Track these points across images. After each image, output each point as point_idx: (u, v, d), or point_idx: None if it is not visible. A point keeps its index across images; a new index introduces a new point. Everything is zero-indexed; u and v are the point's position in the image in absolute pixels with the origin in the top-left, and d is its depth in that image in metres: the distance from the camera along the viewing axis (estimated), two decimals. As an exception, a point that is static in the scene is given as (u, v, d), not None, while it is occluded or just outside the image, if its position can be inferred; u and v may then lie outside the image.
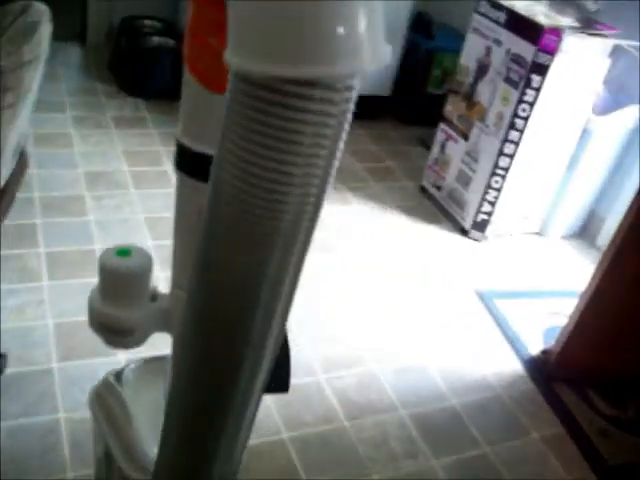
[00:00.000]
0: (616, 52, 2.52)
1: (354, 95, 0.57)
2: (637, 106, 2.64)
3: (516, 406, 2.10)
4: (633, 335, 2.18)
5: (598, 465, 1.94)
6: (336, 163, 0.61)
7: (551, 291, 2.64)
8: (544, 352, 2.29)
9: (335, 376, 2.05)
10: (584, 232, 3.00)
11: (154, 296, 0.91)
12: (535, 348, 2.33)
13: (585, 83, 2.57)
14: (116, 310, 0.87)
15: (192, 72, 0.72)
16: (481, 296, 2.52)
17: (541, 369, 2.24)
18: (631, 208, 1.97)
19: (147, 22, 3.30)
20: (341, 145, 0.60)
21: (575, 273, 2.71)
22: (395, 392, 2.04)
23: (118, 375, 0.98)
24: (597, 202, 2.93)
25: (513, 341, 2.35)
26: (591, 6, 2.71)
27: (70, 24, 3.61)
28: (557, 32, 2.38)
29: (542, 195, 2.82)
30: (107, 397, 0.96)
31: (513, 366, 2.25)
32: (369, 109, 3.47)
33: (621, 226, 2.01)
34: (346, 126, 0.58)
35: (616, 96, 2.67)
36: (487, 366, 2.23)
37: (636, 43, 2.51)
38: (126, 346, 0.91)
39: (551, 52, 2.40)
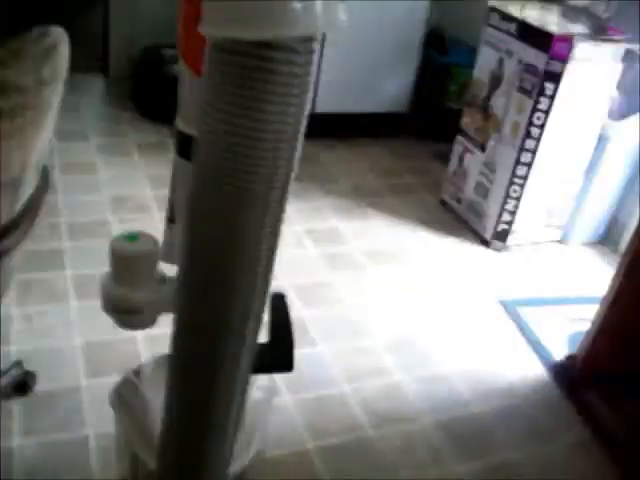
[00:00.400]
0: (628, 56, 2.54)
1: (315, 59, 0.65)
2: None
3: (542, 412, 2.09)
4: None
5: (628, 470, 1.92)
6: (304, 122, 0.69)
7: (574, 298, 2.62)
8: (569, 357, 2.27)
9: (360, 386, 2.07)
10: (606, 239, 2.98)
11: (163, 279, 0.96)
12: (560, 354, 2.32)
13: (599, 89, 2.59)
14: (126, 291, 0.92)
15: (185, 62, 0.78)
16: (504, 305, 2.52)
17: (566, 375, 2.22)
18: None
19: (168, 51, 3.39)
20: (307, 106, 0.68)
21: (597, 279, 2.68)
22: (420, 400, 2.05)
23: (136, 372, 1.02)
24: (618, 208, 2.92)
25: (537, 348, 2.34)
26: (602, 13, 2.73)
27: (91, 55, 3.73)
28: (568, 39, 2.40)
29: (562, 202, 2.82)
30: (126, 393, 1.00)
31: (538, 372, 2.24)
32: (386, 126, 3.51)
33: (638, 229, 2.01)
34: (310, 87, 0.66)
35: (631, 100, 2.67)
36: (512, 373, 2.22)
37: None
38: (138, 326, 0.96)
39: (563, 59, 2.42)
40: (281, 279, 2.40)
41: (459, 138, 2.95)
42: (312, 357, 2.13)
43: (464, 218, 2.95)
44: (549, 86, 2.48)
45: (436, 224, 2.94)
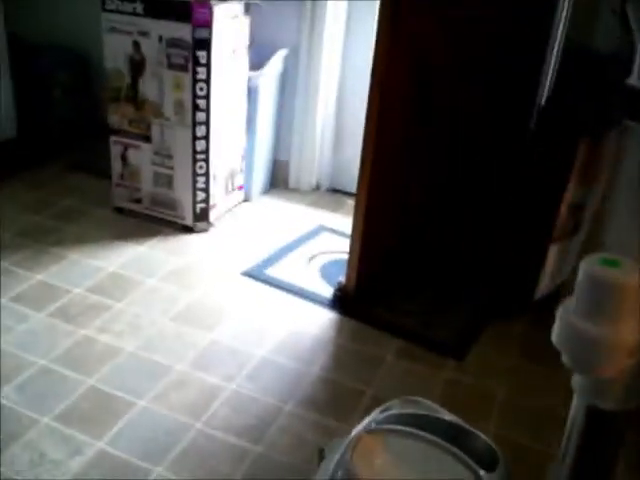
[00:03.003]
0: (250, 9, 2.64)
1: None
2: (283, 51, 2.87)
3: (342, 339, 2.25)
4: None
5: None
6: None
7: (299, 238, 2.77)
8: (340, 288, 2.41)
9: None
10: (274, 182, 3.16)
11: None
12: (327, 290, 2.45)
13: (239, 44, 2.65)
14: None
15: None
16: (249, 274, 2.51)
17: (345, 302, 2.38)
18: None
19: None
20: None
21: (299, 217, 2.93)
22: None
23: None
24: (276, 150, 3.11)
25: (306, 295, 2.42)
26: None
27: None
28: (207, 4, 2.38)
29: (237, 163, 2.86)
30: None
31: (322, 314, 2.35)
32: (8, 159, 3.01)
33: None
34: None
35: (260, 49, 2.81)
36: (299, 327, 2.28)
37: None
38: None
39: (208, 25, 2.40)
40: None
41: (113, 138, 2.70)
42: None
43: (153, 215, 2.77)
44: (202, 54, 2.44)
45: (126, 234, 2.69)
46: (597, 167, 1.85)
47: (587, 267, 0.86)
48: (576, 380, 0.96)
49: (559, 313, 0.88)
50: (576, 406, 0.96)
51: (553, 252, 2.06)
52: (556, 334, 0.90)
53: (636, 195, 0.90)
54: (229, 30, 2.55)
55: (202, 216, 2.73)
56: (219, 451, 1.77)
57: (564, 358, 0.91)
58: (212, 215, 2.76)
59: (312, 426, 1.86)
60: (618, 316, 0.84)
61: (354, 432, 1.04)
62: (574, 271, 0.88)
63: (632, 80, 0.89)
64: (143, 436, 1.78)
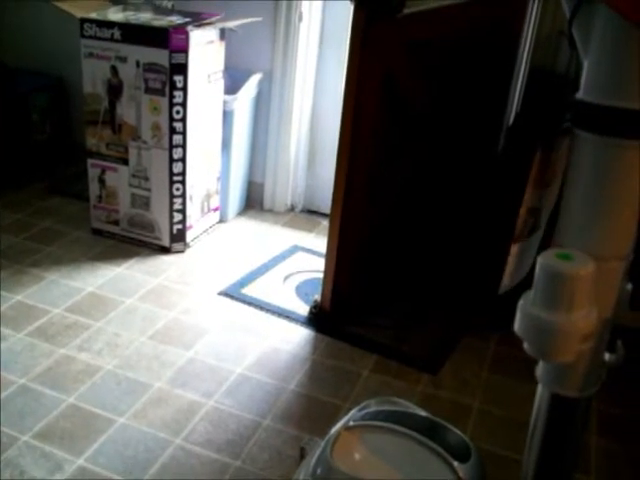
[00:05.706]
0: (224, 34, 2.71)
1: None
2: (258, 75, 2.94)
3: (318, 356, 2.27)
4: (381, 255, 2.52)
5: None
6: None
7: (274, 258, 2.82)
8: (315, 306, 2.46)
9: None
10: (249, 202, 3.21)
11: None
12: (303, 308, 2.49)
13: (214, 69, 2.70)
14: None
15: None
16: (226, 294, 2.55)
17: (321, 320, 2.42)
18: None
19: None
20: None
21: (275, 238, 2.98)
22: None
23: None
24: (251, 172, 3.16)
25: (282, 313, 2.46)
26: (167, 4, 2.83)
27: None
28: (183, 30, 2.44)
29: (213, 184, 2.92)
30: None
31: (298, 332, 2.39)
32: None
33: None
34: None
35: (234, 74, 2.88)
36: (276, 344, 2.31)
37: (235, 22, 2.73)
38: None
39: (184, 50, 2.46)
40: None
41: (91, 161, 2.75)
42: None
43: (129, 236, 2.81)
44: (178, 78, 2.49)
45: (104, 255, 2.72)
46: (552, 171, 1.96)
47: (543, 261, 0.94)
48: (539, 370, 1.03)
49: (520, 304, 0.95)
50: (540, 396, 1.02)
51: (513, 251, 2.18)
52: (517, 324, 0.97)
53: (583, 194, 0.98)
54: (205, 55, 2.62)
55: (179, 237, 2.77)
56: (199, 466, 1.80)
57: (525, 346, 0.98)
58: (188, 236, 2.80)
59: (290, 440, 1.90)
60: (571, 304, 0.92)
61: (333, 429, 1.09)
62: (534, 267, 0.96)
63: (578, 94, 0.98)
64: (123, 452, 1.80)
